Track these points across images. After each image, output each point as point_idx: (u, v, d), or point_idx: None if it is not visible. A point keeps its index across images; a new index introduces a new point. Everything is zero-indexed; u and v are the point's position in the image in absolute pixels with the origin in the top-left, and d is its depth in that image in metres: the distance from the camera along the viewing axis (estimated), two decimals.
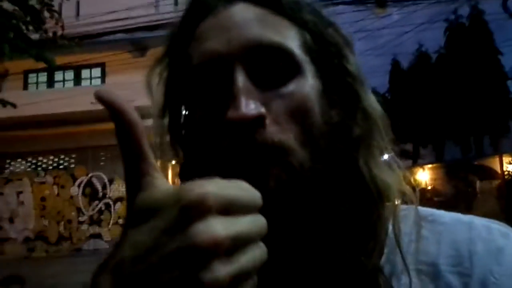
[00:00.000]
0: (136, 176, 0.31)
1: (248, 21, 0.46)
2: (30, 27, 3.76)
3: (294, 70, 0.46)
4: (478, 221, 0.49)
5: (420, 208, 0.50)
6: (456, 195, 14.16)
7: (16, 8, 3.65)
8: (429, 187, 16.04)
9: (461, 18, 13.16)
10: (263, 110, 0.42)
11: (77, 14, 8.84)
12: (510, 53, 13.26)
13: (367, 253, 0.44)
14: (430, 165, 16.50)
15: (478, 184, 13.68)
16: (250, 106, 0.41)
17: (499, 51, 12.82)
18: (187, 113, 0.52)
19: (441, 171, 15.99)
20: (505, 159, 11.63)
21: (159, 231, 0.27)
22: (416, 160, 16.19)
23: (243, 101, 0.42)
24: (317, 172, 0.44)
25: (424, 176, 16.79)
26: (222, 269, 0.26)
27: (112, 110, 0.30)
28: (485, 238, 0.46)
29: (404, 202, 0.49)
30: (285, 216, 0.43)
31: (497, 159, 11.74)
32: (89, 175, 10.81)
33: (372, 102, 0.50)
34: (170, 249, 0.26)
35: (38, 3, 3.68)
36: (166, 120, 0.54)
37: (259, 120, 0.42)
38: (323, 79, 0.48)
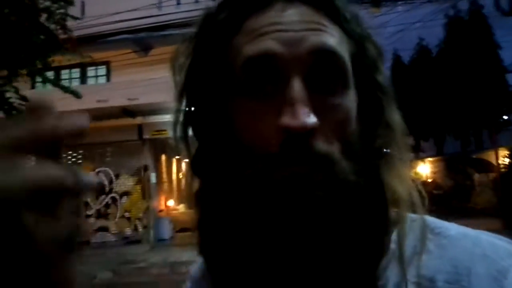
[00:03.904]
0: None
1: (309, 25, 0.45)
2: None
3: (344, 80, 0.45)
4: (485, 237, 0.46)
5: (430, 219, 0.48)
6: (454, 188, 14.29)
7: None
8: (430, 180, 16.11)
9: (460, 12, 13.20)
10: (317, 120, 0.41)
11: (82, 14, 9.02)
12: (511, 47, 13.32)
13: (368, 262, 0.43)
14: (430, 158, 16.55)
15: (476, 177, 13.82)
16: (307, 116, 0.40)
17: (498, 45, 12.86)
18: (215, 103, 0.49)
19: (441, 164, 16.05)
20: (502, 152, 11.74)
21: None
22: (417, 153, 16.17)
23: (301, 110, 0.40)
24: (359, 185, 0.43)
25: (425, 169, 16.82)
26: None
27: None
28: (489, 257, 0.43)
29: (413, 210, 0.47)
30: (326, 224, 0.41)
31: (494, 153, 11.83)
32: (96, 170, 10.93)
33: (394, 116, 0.49)
34: None
35: (52, 23, 3.70)
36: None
37: (313, 130, 0.41)
38: (359, 91, 0.48)
